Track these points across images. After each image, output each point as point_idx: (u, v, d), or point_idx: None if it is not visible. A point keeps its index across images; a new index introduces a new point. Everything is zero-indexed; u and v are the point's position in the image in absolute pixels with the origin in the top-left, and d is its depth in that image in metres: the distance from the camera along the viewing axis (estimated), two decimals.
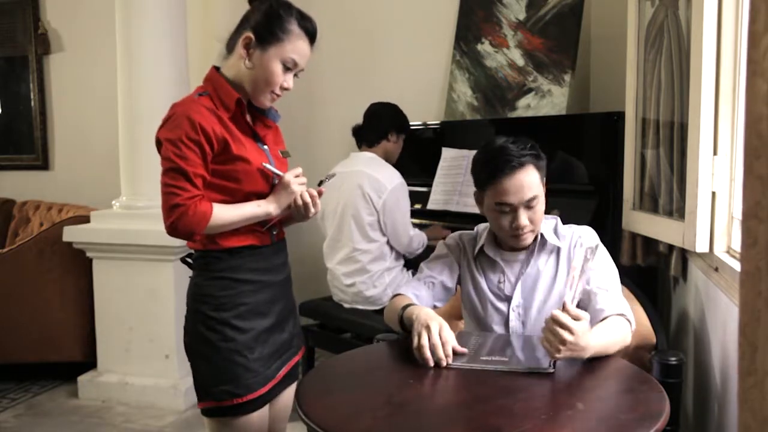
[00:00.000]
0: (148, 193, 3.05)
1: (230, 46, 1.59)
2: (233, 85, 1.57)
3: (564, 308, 1.32)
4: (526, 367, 1.36)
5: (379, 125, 2.81)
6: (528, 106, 3.03)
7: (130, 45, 3.06)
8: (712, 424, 1.69)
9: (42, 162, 4.37)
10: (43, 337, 3.29)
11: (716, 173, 1.78)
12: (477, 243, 1.69)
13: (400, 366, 1.46)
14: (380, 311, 2.65)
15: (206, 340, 1.57)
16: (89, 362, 3.29)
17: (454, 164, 2.98)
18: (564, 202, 2.31)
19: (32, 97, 4.31)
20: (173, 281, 3.03)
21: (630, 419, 1.16)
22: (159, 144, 1.54)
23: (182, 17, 3.17)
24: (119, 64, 3.12)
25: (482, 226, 1.73)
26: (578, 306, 1.37)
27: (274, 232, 1.65)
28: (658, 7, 2.13)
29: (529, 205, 1.54)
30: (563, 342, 1.29)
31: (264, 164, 1.57)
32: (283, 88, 1.58)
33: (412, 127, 2.97)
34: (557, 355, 1.32)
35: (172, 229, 1.50)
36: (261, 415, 1.62)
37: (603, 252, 1.62)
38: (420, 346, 1.40)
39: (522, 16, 3.12)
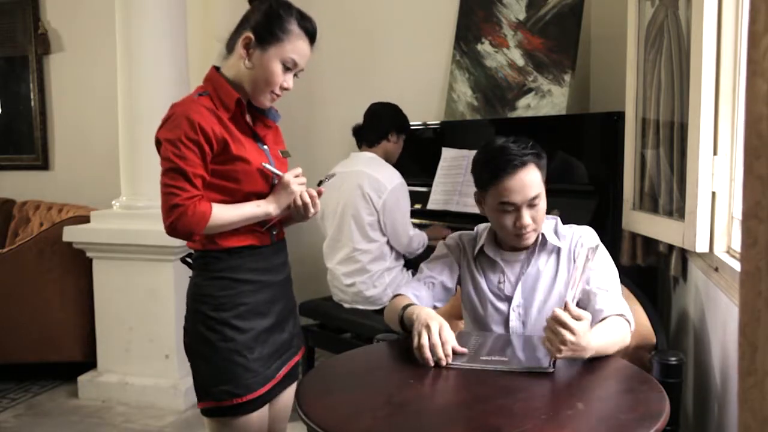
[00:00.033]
0: (148, 193, 3.05)
1: (230, 46, 1.59)
2: (233, 85, 1.57)
3: (566, 307, 1.32)
4: (526, 367, 1.36)
5: (379, 125, 2.81)
6: (528, 106, 3.03)
7: (130, 45, 3.06)
8: (712, 424, 1.69)
9: (42, 162, 4.37)
10: (43, 337, 3.29)
11: (716, 173, 1.78)
12: (477, 243, 1.69)
13: (400, 366, 1.46)
14: (380, 311, 2.65)
15: (206, 340, 1.57)
16: (89, 362, 3.29)
17: (454, 164, 2.98)
18: (564, 202, 2.31)
19: (32, 97, 4.31)
20: (173, 281, 3.03)
21: (630, 419, 1.16)
22: (158, 144, 1.54)
23: (182, 17, 3.17)
24: (119, 64, 3.12)
25: (482, 227, 1.73)
26: (578, 306, 1.37)
27: (274, 232, 1.65)
28: (658, 7, 2.13)
29: (532, 203, 1.54)
30: (564, 342, 1.29)
31: (263, 164, 1.57)
32: (283, 88, 1.58)
33: (412, 127, 2.97)
34: (558, 355, 1.32)
35: (172, 229, 1.50)
36: (261, 415, 1.62)
37: (603, 252, 1.62)
38: (420, 346, 1.40)
39: (522, 16, 3.12)
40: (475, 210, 1.73)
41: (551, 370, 1.34)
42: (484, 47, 3.24)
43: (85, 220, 3.25)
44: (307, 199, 1.59)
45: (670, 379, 1.55)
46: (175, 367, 3.08)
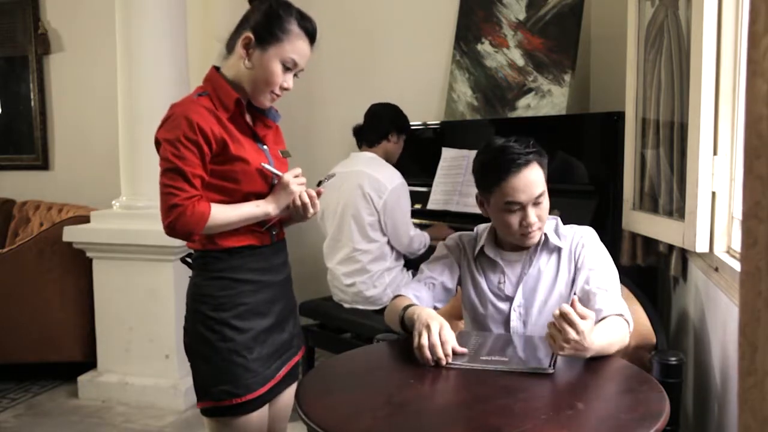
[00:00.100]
0: (148, 193, 3.05)
1: (230, 46, 1.59)
2: (233, 85, 1.57)
3: (572, 305, 1.31)
4: (526, 367, 1.36)
5: (379, 125, 2.81)
6: (528, 106, 3.03)
7: (130, 45, 3.06)
8: (712, 424, 1.69)
9: (42, 162, 4.37)
10: (43, 337, 3.29)
11: (716, 173, 1.78)
12: (477, 244, 1.69)
13: (400, 366, 1.46)
14: (380, 311, 2.65)
15: (205, 340, 1.57)
16: (89, 362, 3.29)
17: (454, 164, 2.98)
18: (564, 202, 2.31)
19: (32, 97, 4.31)
20: (173, 281, 3.03)
21: (630, 419, 1.16)
22: (158, 144, 1.54)
23: (182, 17, 3.17)
24: (119, 64, 3.12)
25: (482, 227, 1.73)
26: None
27: (274, 232, 1.65)
28: (658, 7, 2.13)
29: (537, 202, 1.54)
30: (568, 340, 1.29)
31: (263, 164, 1.57)
32: (282, 88, 1.58)
33: (412, 127, 2.97)
34: (560, 353, 1.32)
35: (170, 230, 1.50)
36: (260, 415, 1.62)
37: (603, 252, 1.62)
38: (420, 346, 1.40)
39: (522, 16, 3.12)
40: (475, 210, 1.73)
41: (551, 370, 1.34)
42: (484, 47, 3.24)
43: (85, 220, 3.25)
44: (306, 200, 1.59)
45: (670, 379, 1.55)
46: (175, 367, 3.08)
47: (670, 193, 2.05)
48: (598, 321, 1.45)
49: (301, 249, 3.25)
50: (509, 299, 1.62)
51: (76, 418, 3.01)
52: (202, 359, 1.59)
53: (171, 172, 1.49)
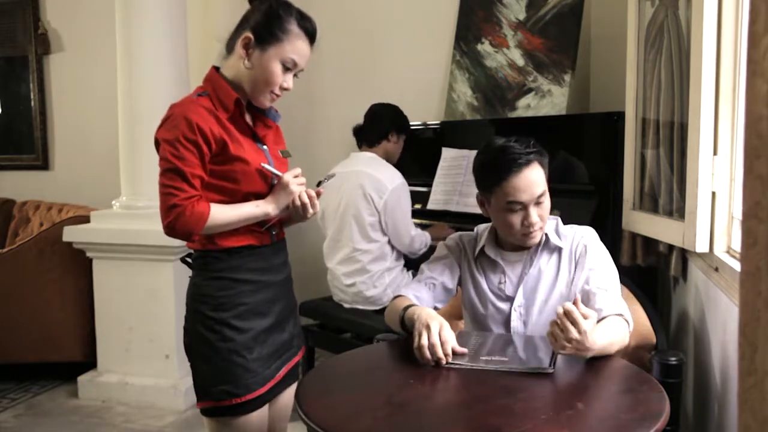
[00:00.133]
0: (148, 193, 3.05)
1: (230, 47, 1.59)
2: (233, 86, 1.57)
3: (574, 304, 1.31)
4: (526, 367, 1.36)
5: (379, 125, 2.81)
6: (528, 106, 3.03)
7: (130, 45, 3.06)
8: (712, 424, 1.69)
9: (42, 162, 4.37)
10: (43, 337, 3.29)
11: (716, 173, 1.78)
12: (477, 244, 1.69)
13: (400, 366, 1.46)
14: (380, 311, 2.65)
15: (205, 340, 1.57)
16: (89, 362, 3.29)
17: (454, 164, 2.98)
18: (564, 202, 2.31)
19: (32, 97, 4.31)
20: (173, 281, 3.03)
21: (630, 419, 1.16)
22: (157, 144, 1.54)
23: (182, 17, 3.17)
24: (119, 64, 3.12)
25: (482, 227, 1.73)
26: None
27: (274, 232, 1.65)
28: (658, 7, 2.13)
29: (538, 201, 1.54)
30: (570, 339, 1.28)
31: (262, 164, 1.57)
32: (282, 89, 1.57)
33: (412, 127, 2.97)
34: (561, 352, 1.32)
35: (170, 230, 1.50)
36: (260, 415, 1.62)
37: (603, 252, 1.62)
38: (420, 346, 1.40)
39: (522, 16, 3.12)
40: (476, 210, 1.73)
41: (551, 370, 1.34)
42: (484, 47, 3.24)
43: (85, 220, 3.25)
44: (306, 200, 1.58)
45: (670, 379, 1.55)
46: (175, 367, 3.08)
47: (670, 193, 2.05)
48: (598, 321, 1.45)
49: (301, 249, 3.24)
50: (510, 299, 1.62)
51: (76, 418, 3.01)
52: (202, 359, 1.59)
53: (170, 173, 1.49)
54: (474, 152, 1.65)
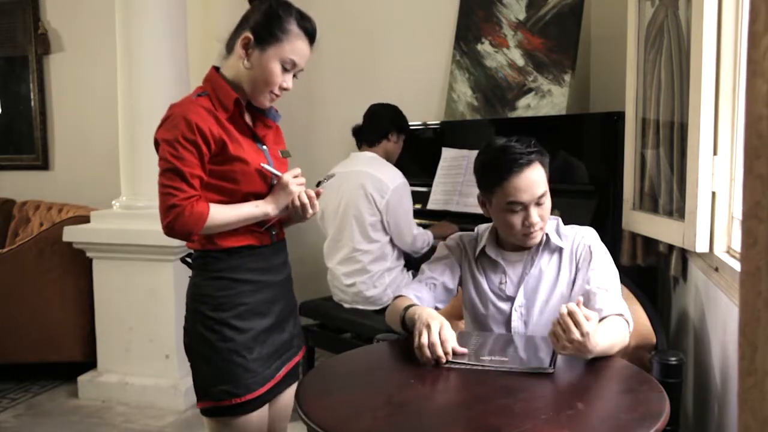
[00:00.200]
0: (148, 193, 3.05)
1: (230, 47, 1.59)
2: (232, 86, 1.57)
3: (577, 305, 1.31)
4: (527, 367, 1.36)
5: (379, 125, 2.81)
6: (528, 106, 3.03)
7: (130, 45, 3.06)
8: (712, 424, 1.69)
9: (42, 162, 4.37)
10: (43, 337, 3.28)
11: (716, 173, 1.78)
12: (478, 244, 1.69)
13: (400, 366, 1.46)
14: (380, 311, 2.65)
15: (205, 340, 1.57)
16: (89, 362, 3.29)
17: (454, 164, 2.98)
18: (564, 202, 2.31)
19: (32, 97, 4.31)
20: (173, 281, 3.03)
21: (630, 419, 1.16)
22: (157, 144, 1.54)
23: (182, 17, 3.17)
24: (119, 64, 3.12)
25: (482, 227, 1.73)
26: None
27: (274, 232, 1.65)
28: (658, 7, 2.13)
29: (539, 202, 1.54)
30: (572, 340, 1.28)
31: (262, 164, 1.57)
32: (282, 89, 1.57)
33: (412, 127, 2.97)
34: (562, 352, 1.32)
35: (169, 230, 1.50)
36: (260, 415, 1.62)
37: (603, 252, 1.62)
38: (420, 345, 1.40)
39: (522, 16, 3.12)
40: (475, 210, 1.73)
41: (551, 370, 1.34)
42: (484, 47, 3.24)
43: (85, 220, 3.25)
44: (305, 200, 1.58)
45: (670, 379, 1.55)
46: (175, 367, 3.08)
47: (670, 193, 2.05)
48: (598, 320, 1.45)
49: (301, 249, 3.24)
50: (510, 299, 1.62)
51: (76, 418, 3.01)
52: (202, 359, 1.59)
53: (169, 173, 1.49)
54: (474, 152, 1.65)
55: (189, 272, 1.65)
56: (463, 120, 3.24)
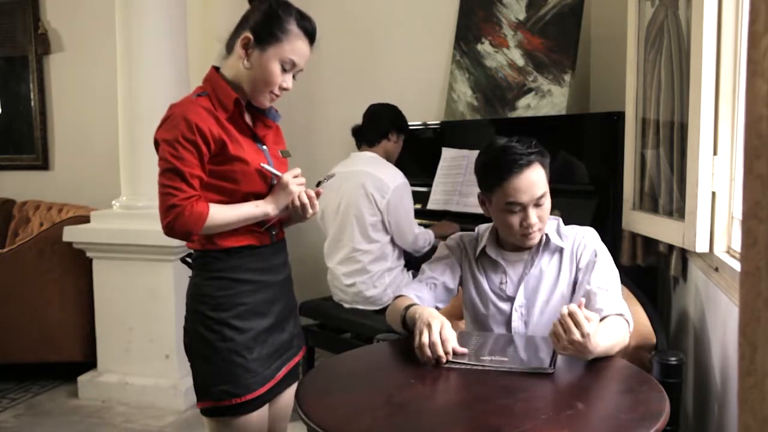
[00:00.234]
0: (148, 193, 3.05)
1: (229, 47, 1.59)
2: (232, 86, 1.57)
3: (578, 307, 1.31)
4: (527, 367, 1.36)
5: (379, 125, 2.81)
6: (528, 106, 3.03)
7: (130, 45, 3.06)
8: (712, 424, 1.69)
9: (42, 162, 4.37)
10: (43, 337, 3.28)
11: (716, 173, 1.78)
12: (478, 244, 1.69)
13: (401, 366, 1.47)
14: (380, 311, 2.65)
15: (205, 340, 1.57)
16: (89, 362, 3.29)
17: (454, 164, 2.98)
18: (564, 202, 2.31)
19: (32, 97, 4.31)
20: (173, 281, 3.03)
21: (630, 419, 1.16)
22: (157, 145, 1.54)
23: (182, 17, 3.17)
24: (119, 64, 3.12)
25: (483, 227, 1.73)
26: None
27: (274, 232, 1.65)
28: (658, 7, 2.13)
29: (538, 203, 1.54)
30: (573, 341, 1.28)
31: (262, 164, 1.57)
32: (282, 89, 1.57)
33: (412, 127, 2.98)
34: (562, 352, 1.32)
35: (169, 230, 1.50)
36: (260, 415, 1.62)
37: (604, 253, 1.62)
38: (420, 344, 1.40)
39: (522, 16, 3.12)
40: (475, 210, 1.73)
41: (551, 370, 1.34)
42: (484, 47, 3.24)
43: (85, 220, 3.25)
44: (305, 200, 1.58)
45: (670, 379, 1.55)
46: (175, 367, 3.08)
47: (670, 193, 2.05)
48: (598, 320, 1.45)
49: (301, 249, 3.24)
50: (511, 299, 1.62)
51: (76, 418, 3.01)
52: (202, 359, 1.59)
53: (169, 173, 1.49)
54: (474, 152, 1.66)
55: (189, 272, 1.65)
56: (463, 120, 3.24)
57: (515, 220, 1.55)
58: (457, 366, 1.38)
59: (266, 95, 1.57)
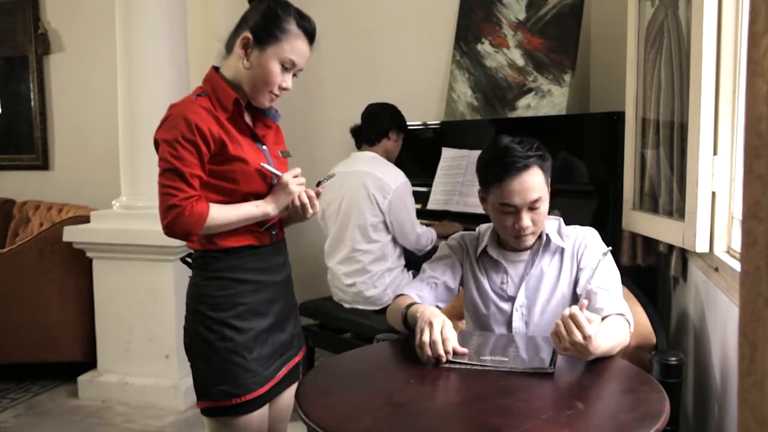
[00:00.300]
0: (148, 193, 3.05)
1: (229, 47, 1.59)
2: (232, 86, 1.57)
3: (580, 308, 1.31)
4: (527, 367, 1.36)
5: (378, 124, 2.81)
6: (528, 106, 3.03)
7: (130, 45, 3.06)
8: (712, 424, 1.69)
9: (42, 162, 4.37)
10: (43, 337, 3.28)
11: (716, 173, 1.78)
12: (479, 244, 1.69)
13: (401, 366, 1.46)
14: (380, 311, 2.65)
15: (205, 340, 1.56)
16: (89, 362, 3.29)
17: (454, 164, 2.98)
18: (564, 202, 2.31)
19: (32, 97, 4.31)
20: (173, 281, 3.03)
21: (630, 419, 1.16)
22: (157, 145, 1.54)
23: (182, 17, 3.17)
24: (119, 64, 3.12)
25: (484, 227, 1.73)
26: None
27: (274, 232, 1.65)
28: (658, 7, 2.13)
29: (532, 206, 1.54)
30: (574, 343, 1.28)
31: (262, 164, 1.57)
32: (281, 88, 1.57)
33: (412, 127, 2.98)
34: (564, 353, 1.32)
35: (169, 230, 1.50)
36: (260, 415, 1.62)
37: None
38: (421, 342, 1.40)
39: (522, 16, 3.12)
40: (476, 210, 1.74)
41: (551, 370, 1.34)
42: (484, 47, 3.24)
43: (85, 220, 3.25)
44: (305, 200, 1.58)
45: (670, 379, 1.55)
46: (175, 367, 3.08)
47: (670, 193, 2.05)
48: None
49: (301, 249, 3.24)
50: (511, 299, 1.62)
51: (76, 418, 3.01)
52: (202, 359, 1.59)
53: (169, 173, 1.49)
54: (474, 152, 1.66)
55: (189, 272, 1.64)
56: (463, 120, 3.24)
57: (508, 221, 1.56)
58: (458, 366, 1.38)
59: (266, 95, 1.57)
